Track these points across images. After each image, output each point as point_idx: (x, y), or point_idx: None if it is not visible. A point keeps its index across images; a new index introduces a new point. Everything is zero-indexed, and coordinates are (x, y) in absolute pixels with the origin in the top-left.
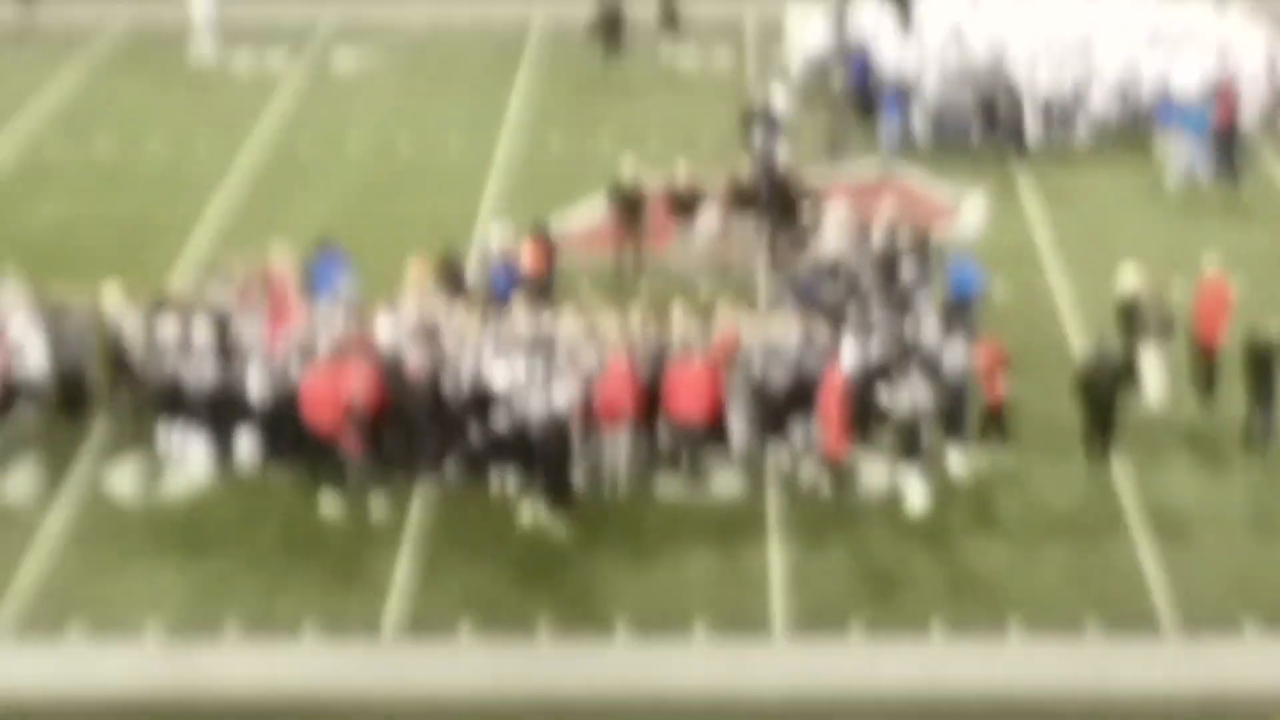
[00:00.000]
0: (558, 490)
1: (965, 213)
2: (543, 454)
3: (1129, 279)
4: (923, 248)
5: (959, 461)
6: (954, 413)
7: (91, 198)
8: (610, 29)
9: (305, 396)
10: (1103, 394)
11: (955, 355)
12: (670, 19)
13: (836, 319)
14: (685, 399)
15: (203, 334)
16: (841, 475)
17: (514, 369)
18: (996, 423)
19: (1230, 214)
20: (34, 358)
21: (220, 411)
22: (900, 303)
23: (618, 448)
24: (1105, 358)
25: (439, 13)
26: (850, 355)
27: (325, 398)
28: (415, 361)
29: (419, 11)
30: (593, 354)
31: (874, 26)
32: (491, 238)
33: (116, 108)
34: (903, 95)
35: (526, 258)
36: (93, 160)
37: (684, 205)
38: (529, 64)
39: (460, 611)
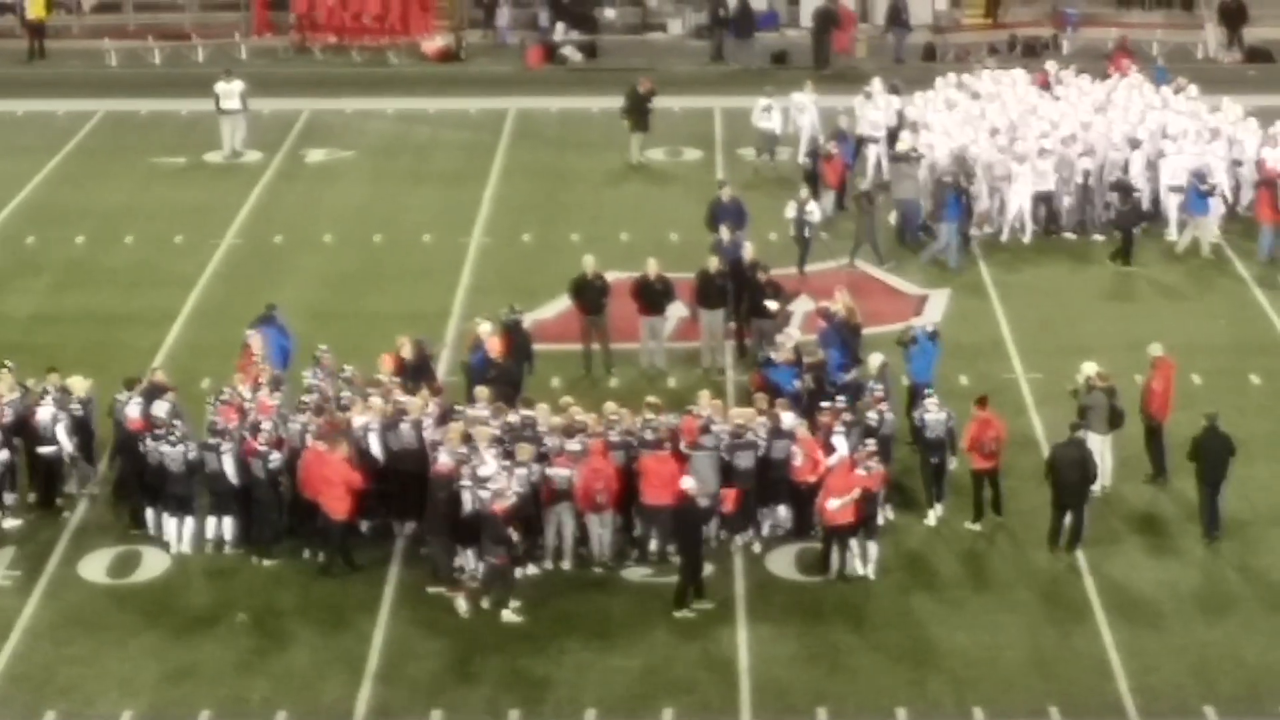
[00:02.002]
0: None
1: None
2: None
3: (1084, 371)
4: (854, 333)
5: (937, 517)
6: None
7: (67, 292)
8: (637, 111)
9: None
10: (1070, 481)
11: (936, 425)
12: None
13: (804, 408)
14: (657, 486)
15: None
16: (845, 545)
17: (485, 459)
18: (994, 491)
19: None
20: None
21: (199, 494)
22: (855, 389)
23: (603, 528)
24: (1074, 445)
25: (412, 106)
26: (841, 442)
27: (321, 475)
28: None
29: (393, 105)
30: (574, 443)
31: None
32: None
33: (90, 201)
34: (963, 196)
35: (495, 348)
36: (68, 254)
37: (655, 298)
38: (502, 157)
39: (431, 698)
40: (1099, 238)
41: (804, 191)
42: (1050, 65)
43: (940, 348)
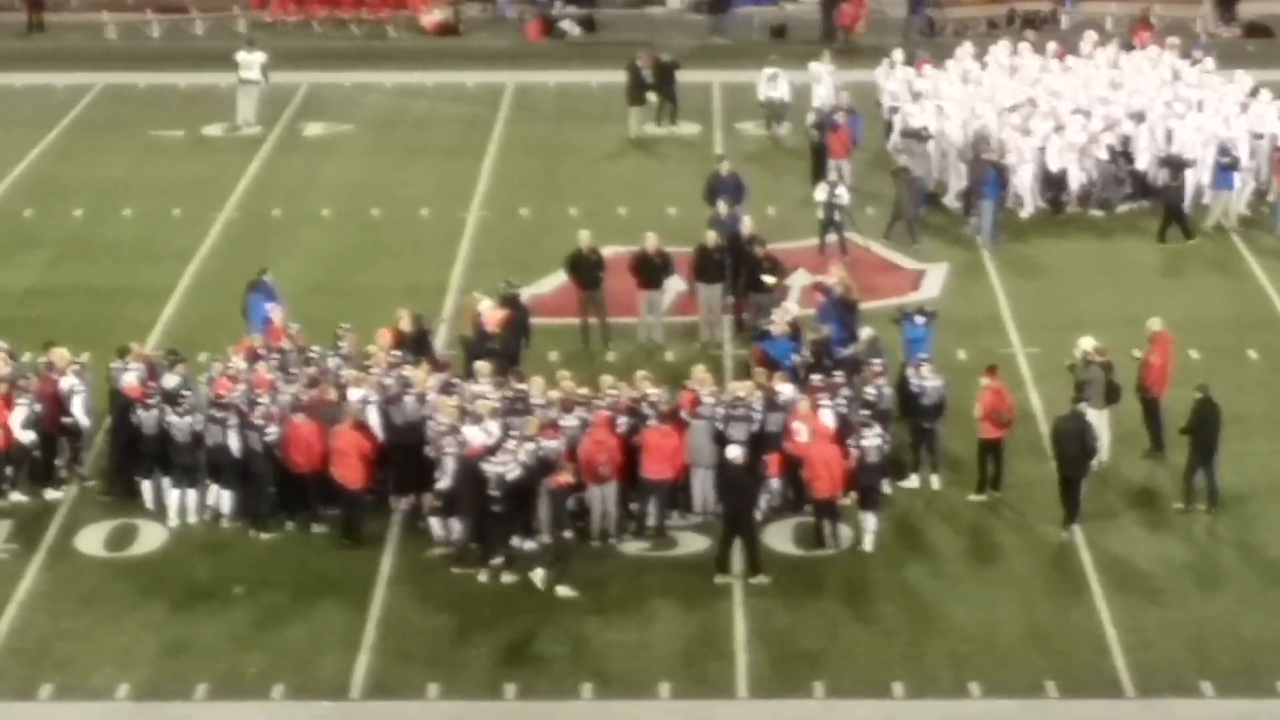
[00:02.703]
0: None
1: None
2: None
3: (1082, 346)
4: (851, 309)
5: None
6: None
7: (65, 265)
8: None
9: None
10: (1070, 454)
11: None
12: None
13: (800, 381)
14: (658, 459)
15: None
16: (836, 517)
17: (488, 432)
18: (997, 464)
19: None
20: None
21: (203, 465)
22: (854, 364)
23: (606, 503)
24: (1073, 418)
25: (410, 80)
26: (828, 415)
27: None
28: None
29: (391, 79)
30: (571, 418)
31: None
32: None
33: (88, 174)
34: (1002, 172)
35: (493, 321)
36: (66, 227)
37: (654, 272)
38: (500, 131)
39: (428, 671)
40: (1097, 213)
41: (833, 174)
42: (1088, 35)
43: (933, 329)
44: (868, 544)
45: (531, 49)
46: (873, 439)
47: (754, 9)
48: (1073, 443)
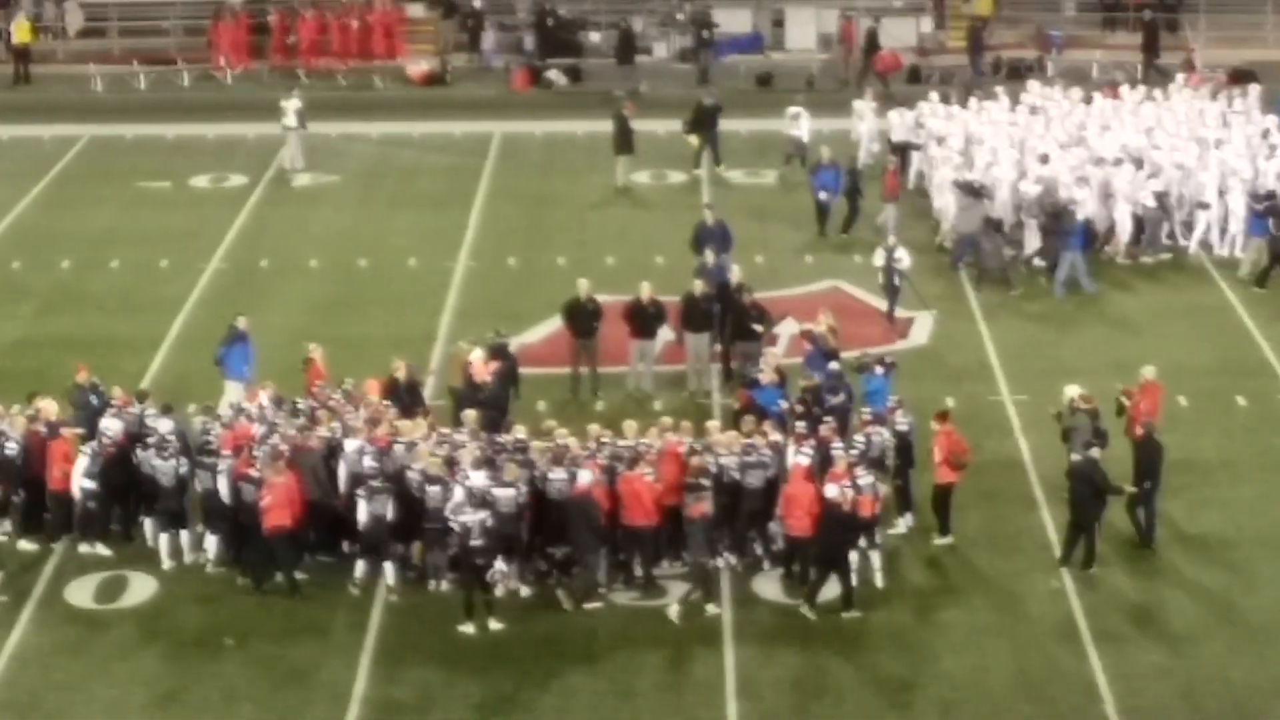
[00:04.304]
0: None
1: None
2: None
3: (1067, 393)
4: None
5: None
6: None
7: (53, 316)
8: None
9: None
10: (1082, 497)
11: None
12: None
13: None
14: (636, 508)
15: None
16: (806, 559)
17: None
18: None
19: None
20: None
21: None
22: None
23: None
24: (1086, 463)
25: (397, 130)
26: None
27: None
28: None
29: (378, 129)
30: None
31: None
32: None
33: (76, 226)
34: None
35: (483, 372)
36: (54, 279)
37: (647, 321)
38: (487, 181)
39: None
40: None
41: (891, 238)
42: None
43: (893, 379)
44: (879, 579)
45: (518, 99)
46: (867, 478)
47: (740, 58)
48: (1085, 487)
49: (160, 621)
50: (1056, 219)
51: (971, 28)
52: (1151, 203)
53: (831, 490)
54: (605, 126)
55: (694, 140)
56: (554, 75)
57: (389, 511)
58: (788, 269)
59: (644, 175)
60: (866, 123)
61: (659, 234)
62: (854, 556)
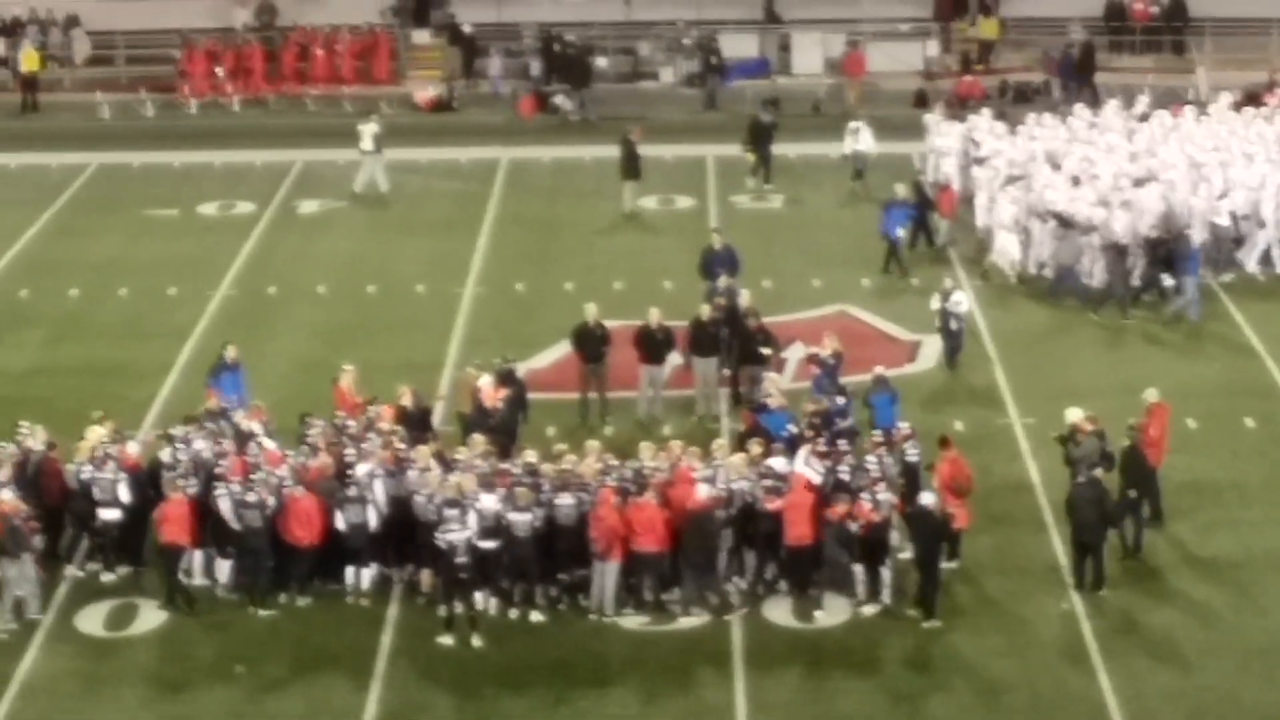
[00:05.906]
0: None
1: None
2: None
3: (1069, 417)
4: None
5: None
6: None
7: (62, 345)
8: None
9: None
10: (1087, 520)
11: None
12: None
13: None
14: (644, 533)
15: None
16: (807, 569)
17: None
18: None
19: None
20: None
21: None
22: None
23: (606, 577)
24: (1091, 484)
25: (405, 157)
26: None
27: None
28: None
29: (385, 156)
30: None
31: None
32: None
33: (84, 254)
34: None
35: (493, 397)
36: (62, 307)
37: (657, 347)
38: (495, 207)
39: None
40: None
41: (948, 281)
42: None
43: (898, 408)
44: (887, 597)
45: (525, 125)
46: (881, 494)
47: (747, 82)
48: (1090, 509)
49: (170, 649)
50: (1172, 243)
51: (1065, 54)
52: (1225, 221)
53: (927, 498)
54: (613, 152)
55: (751, 155)
56: (561, 101)
57: (371, 520)
58: (795, 293)
59: (651, 200)
60: (939, 138)
61: (667, 259)
62: (859, 569)
